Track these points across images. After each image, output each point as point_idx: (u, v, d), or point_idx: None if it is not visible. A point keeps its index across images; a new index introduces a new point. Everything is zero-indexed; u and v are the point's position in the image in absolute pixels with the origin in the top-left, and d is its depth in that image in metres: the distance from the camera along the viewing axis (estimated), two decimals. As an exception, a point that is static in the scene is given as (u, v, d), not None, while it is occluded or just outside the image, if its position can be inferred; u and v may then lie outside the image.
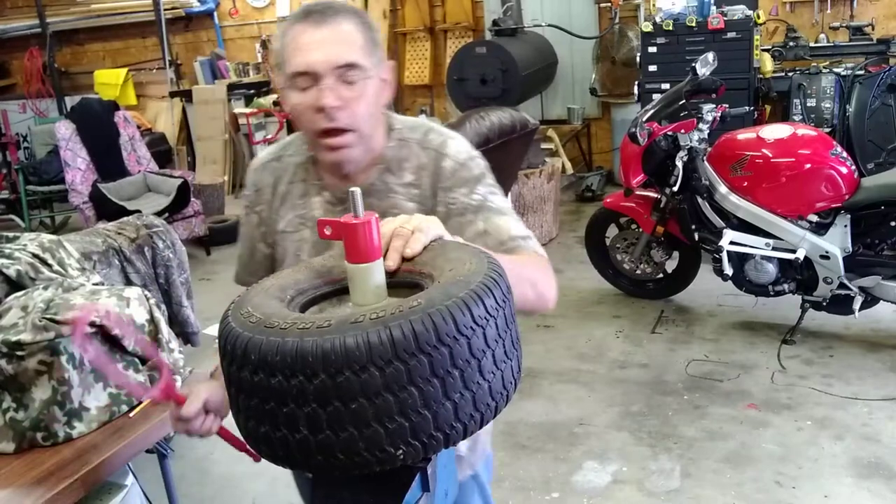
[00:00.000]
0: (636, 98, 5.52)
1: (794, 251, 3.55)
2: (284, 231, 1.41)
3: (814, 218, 3.56)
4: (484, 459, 1.54)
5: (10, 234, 2.19)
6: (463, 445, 1.45)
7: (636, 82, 5.50)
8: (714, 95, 3.78)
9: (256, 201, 1.45)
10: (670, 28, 5.21)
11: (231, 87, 7.62)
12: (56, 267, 2.10)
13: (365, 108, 1.27)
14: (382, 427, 0.84)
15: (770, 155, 3.56)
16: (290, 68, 1.25)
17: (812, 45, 5.56)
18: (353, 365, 0.82)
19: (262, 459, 0.96)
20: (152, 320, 1.96)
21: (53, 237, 2.22)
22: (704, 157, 3.78)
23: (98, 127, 6.01)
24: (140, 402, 1.88)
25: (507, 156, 3.94)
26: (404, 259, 1.01)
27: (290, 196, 1.42)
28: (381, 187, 1.34)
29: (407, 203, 1.33)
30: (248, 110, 7.03)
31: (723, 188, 3.69)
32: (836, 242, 3.52)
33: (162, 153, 7.07)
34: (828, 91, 5.16)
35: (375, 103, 1.30)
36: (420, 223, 1.04)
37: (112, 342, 1.84)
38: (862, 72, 5.10)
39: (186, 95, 7.82)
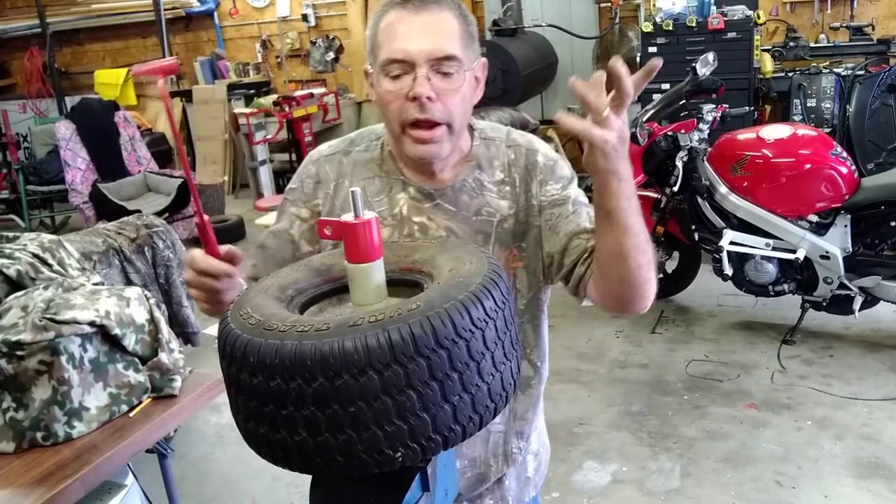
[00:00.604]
0: (636, 98, 5.51)
1: (794, 251, 3.55)
2: None
3: (814, 218, 3.56)
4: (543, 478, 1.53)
5: (10, 234, 2.19)
6: (531, 466, 1.45)
7: (636, 82, 5.49)
8: (714, 95, 3.78)
9: (313, 194, 1.36)
10: (670, 28, 5.21)
11: (231, 87, 7.62)
12: (56, 267, 2.10)
13: (459, 103, 1.22)
14: (381, 430, 0.84)
15: (770, 155, 3.57)
16: (385, 55, 1.20)
17: (812, 45, 5.56)
18: (351, 368, 0.82)
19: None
20: (152, 320, 1.96)
21: (53, 237, 2.22)
22: (704, 158, 3.78)
23: (98, 127, 6.02)
24: (140, 402, 1.88)
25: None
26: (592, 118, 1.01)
27: (365, 193, 1.32)
28: (474, 185, 1.31)
29: (500, 200, 1.30)
30: (248, 110, 7.03)
31: (723, 188, 3.69)
32: (836, 242, 3.52)
33: (162, 153, 7.06)
34: (828, 91, 5.15)
35: (469, 100, 1.26)
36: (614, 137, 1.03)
37: (112, 342, 1.84)
38: (862, 72, 5.10)
39: (186, 95, 7.82)
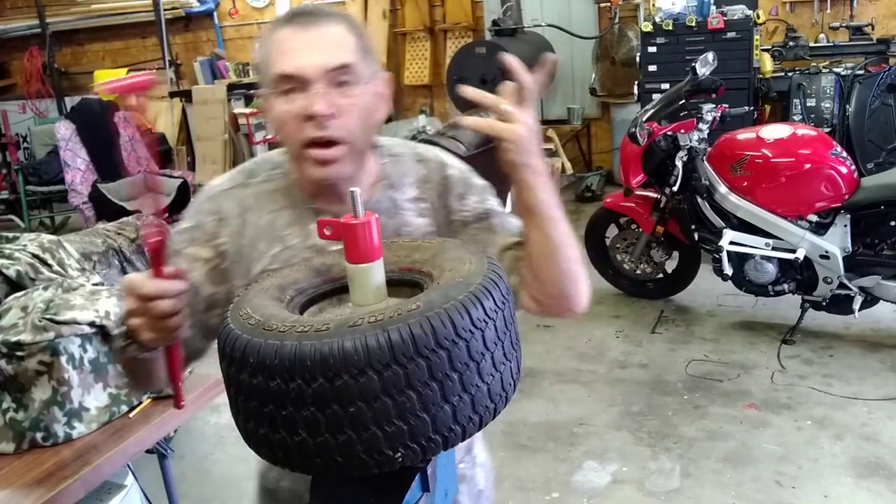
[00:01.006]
0: (636, 98, 5.52)
1: (793, 251, 3.55)
2: (267, 270, 1.21)
3: (814, 218, 3.56)
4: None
5: (10, 235, 2.19)
6: (480, 479, 1.40)
7: (636, 82, 5.49)
8: (714, 95, 3.78)
9: (216, 233, 1.24)
10: (670, 28, 5.21)
11: (231, 88, 7.61)
12: (56, 267, 2.09)
13: (359, 119, 1.16)
14: (381, 430, 0.84)
15: (770, 155, 3.57)
16: (276, 71, 1.15)
17: (812, 45, 5.56)
18: (351, 369, 0.82)
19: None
20: (152, 321, 1.95)
21: (53, 237, 2.22)
22: (704, 157, 3.78)
23: (98, 127, 6.01)
24: (140, 403, 1.88)
25: (506, 156, 3.94)
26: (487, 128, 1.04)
27: (273, 228, 1.24)
28: (389, 205, 1.25)
29: (417, 219, 1.26)
30: (247, 110, 7.03)
31: (723, 188, 3.69)
32: (836, 242, 3.52)
33: (162, 153, 7.07)
34: (828, 91, 5.15)
35: (370, 116, 1.20)
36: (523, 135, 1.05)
37: (112, 342, 1.84)
38: (862, 72, 5.10)
39: (186, 95, 7.82)
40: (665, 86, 4.90)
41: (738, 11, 5.11)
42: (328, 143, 1.15)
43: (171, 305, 1.05)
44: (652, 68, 5.32)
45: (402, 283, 1.02)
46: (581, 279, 1.19)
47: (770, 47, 5.54)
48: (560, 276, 1.15)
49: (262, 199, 1.26)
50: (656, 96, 4.36)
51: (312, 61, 1.13)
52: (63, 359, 1.74)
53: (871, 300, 3.56)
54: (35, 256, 2.06)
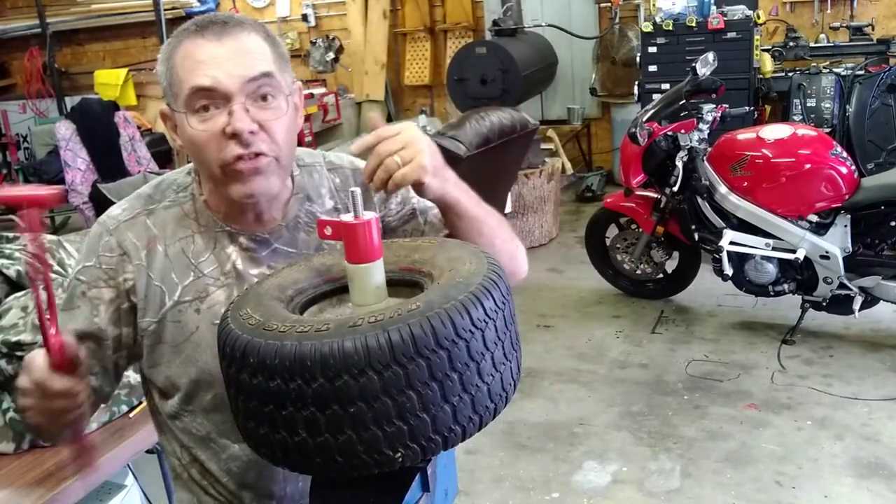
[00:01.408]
0: (636, 98, 5.52)
1: (794, 251, 3.55)
2: (182, 301, 1.15)
3: (814, 218, 3.56)
4: None
5: (10, 235, 2.19)
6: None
7: (636, 82, 5.50)
8: (714, 95, 3.78)
9: (118, 270, 1.15)
10: (670, 28, 5.21)
11: (231, 87, 7.62)
12: (56, 267, 2.09)
13: (284, 132, 1.10)
14: (381, 430, 0.84)
15: (770, 155, 3.57)
16: (189, 86, 1.05)
17: (812, 45, 5.56)
18: (351, 369, 0.82)
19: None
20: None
21: (53, 237, 2.22)
22: (704, 158, 3.78)
23: (98, 127, 6.01)
24: (140, 402, 1.88)
25: (506, 156, 3.94)
26: (385, 190, 1.01)
27: (186, 255, 1.16)
28: (308, 219, 1.20)
29: None
30: (247, 110, 7.03)
31: (723, 188, 3.69)
32: (836, 242, 3.52)
33: (162, 153, 7.06)
34: (828, 91, 5.15)
35: (293, 128, 1.14)
36: (412, 155, 1.01)
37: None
38: (862, 72, 5.10)
39: (186, 95, 7.82)
40: (665, 86, 4.90)
41: (739, 11, 5.11)
42: (255, 155, 1.08)
43: (70, 404, 1.01)
44: (652, 68, 5.32)
45: (402, 283, 1.02)
46: (517, 253, 1.20)
47: (770, 47, 5.54)
48: (502, 260, 1.12)
49: (169, 225, 1.17)
50: (656, 96, 4.36)
51: (231, 72, 1.05)
52: (63, 359, 1.73)
53: (871, 300, 3.56)
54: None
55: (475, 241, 1.12)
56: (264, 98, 1.08)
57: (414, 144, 1.02)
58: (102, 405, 1.25)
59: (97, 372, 1.18)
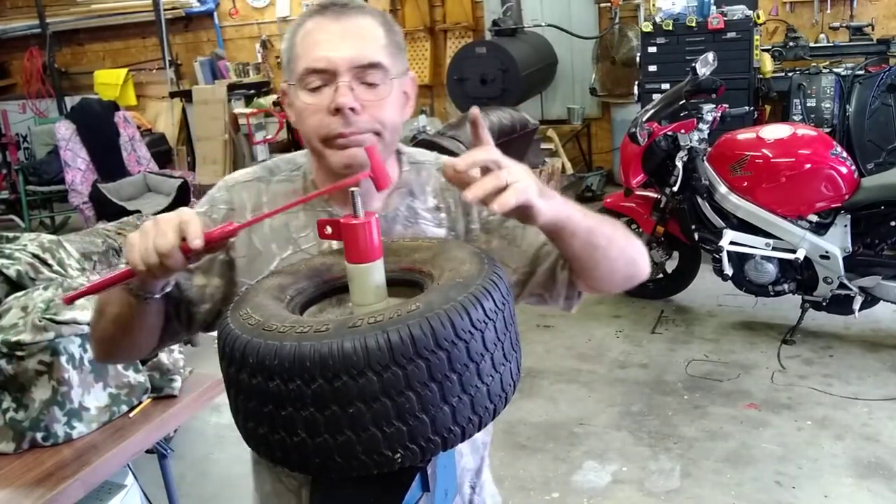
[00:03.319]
0: (636, 98, 5.52)
1: (794, 251, 3.55)
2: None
3: (814, 218, 3.56)
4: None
5: (10, 235, 2.19)
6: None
7: (636, 82, 5.49)
8: (714, 95, 3.78)
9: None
10: (670, 28, 5.20)
11: (231, 88, 7.61)
12: (56, 267, 2.09)
13: (388, 115, 1.12)
14: (380, 431, 0.84)
15: (770, 155, 3.57)
16: (303, 65, 1.11)
17: (812, 45, 5.56)
18: (350, 370, 0.82)
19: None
20: (152, 321, 1.95)
21: (53, 237, 2.22)
22: (704, 157, 3.78)
23: (98, 127, 6.02)
24: (140, 403, 1.88)
25: (506, 156, 3.93)
26: (484, 203, 0.91)
27: (288, 229, 1.20)
28: (407, 213, 1.21)
29: (436, 228, 1.21)
30: (248, 110, 7.03)
31: (723, 188, 3.69)
32: (836, 242, 3.52)
33: (162, 153, 7.07)
34: (828, 91, 5.15)
35: (399, 114, 1.15)
36: (517, 177, 0.93)
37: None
38: (862, 72, 5.10)
39: (186, 96, 7.82)
40: (665, 86, 4.90)
41: (739, 11, 5.11)
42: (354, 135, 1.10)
43: (152, 286, 1.04)
44: (652, 68, 5.32)
45: (403, 283, 1.02)
46: (636, 256, 1.16)
47: (770, 47, 5.54)
48: (620, 266, 1.13)
49: (278, 198, 1.21)
50: (656, 96, 4.36)
51: (341, 54, 1.09)
52: (63, 359, 1.74)
53: (871, 300, 3.56)
54: (35, 256, 2.06)
55: (591, 255, 1.08)
56: (370, 83, 1.11)
57: (514, 168, 0.98)
58: (166, 343, 1.24)
59: (174, 304, 1.19)
